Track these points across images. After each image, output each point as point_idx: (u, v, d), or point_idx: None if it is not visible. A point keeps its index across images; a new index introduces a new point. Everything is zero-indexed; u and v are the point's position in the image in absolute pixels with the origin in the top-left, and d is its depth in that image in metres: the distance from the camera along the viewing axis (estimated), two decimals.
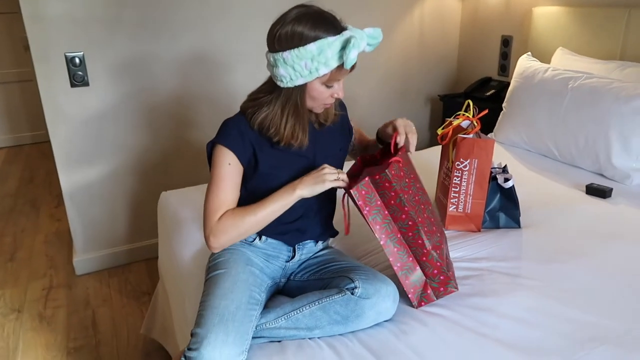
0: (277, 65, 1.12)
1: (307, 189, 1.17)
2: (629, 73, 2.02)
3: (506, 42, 2.81)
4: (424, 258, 1.20)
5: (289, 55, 1.10)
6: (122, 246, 2.51)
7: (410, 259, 1.22)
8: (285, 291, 1.33)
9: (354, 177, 1.29)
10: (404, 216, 1.18)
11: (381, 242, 1.19)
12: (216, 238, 1.17)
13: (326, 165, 1.20)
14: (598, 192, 1.79)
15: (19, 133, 4.49)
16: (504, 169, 1.67)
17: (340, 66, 1.12)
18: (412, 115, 3.17)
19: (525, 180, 1.92)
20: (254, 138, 1.20)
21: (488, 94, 2.74)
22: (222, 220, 1.17)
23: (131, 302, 2.22)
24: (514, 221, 1.61)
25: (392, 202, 1.17)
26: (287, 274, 1.32)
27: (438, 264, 1.20)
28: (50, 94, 2.15)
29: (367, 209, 1.17)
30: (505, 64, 2.84)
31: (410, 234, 1.19)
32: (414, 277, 1.22)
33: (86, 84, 2.20)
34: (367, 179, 1.17)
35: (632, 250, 1.44)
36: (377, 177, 1.16)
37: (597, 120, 1.92)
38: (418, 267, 1.22)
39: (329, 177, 1.16)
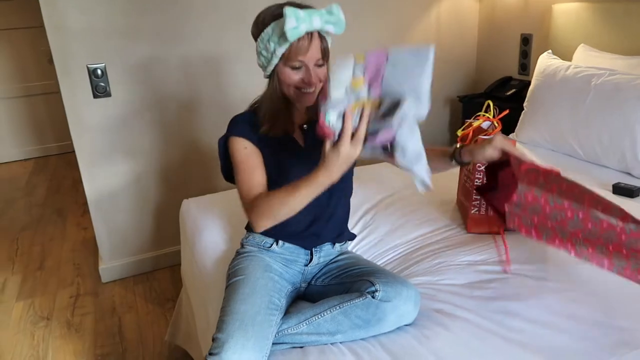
0: (257, 54, 1.22)
1: (336, 165, 1.03)
2: None
3: (526, 40, 2.77)
4: (623, 236, 1.03)
5: (258, 42, 1.20)
6: (146, 253, 2.55)
7: (611, 247, 1.05)
8: (306, 296, 1.33)
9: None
10: (569, 213, 1.07)
11: (573, 255, 1.07)
12: (257, 217, 1.15)
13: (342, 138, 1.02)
14: (625, 191, 1.74)
15: (46, 144, 4.61)
16: None
17: (296, 44, 1.14)
18: (431, 117, 3.14)
19: None
20: (256, 130, 1.26)
21: (508, 93, 2.70)
22: (259, 198, 1.16)
23: (156, 309, 2.25)
24: None
25: (548, 209, 1.09)
26: (307, 278, 1.32)
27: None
28: (74, 106, 2.21)
29: (533, 232, 1.10)
30: (525, 63, 2.80)
31: (590, 225, 1.05)
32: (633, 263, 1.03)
33: (108, 94, 2.25)
34: (510, 208, 1.09)
35: None
36: (528, 197, 1.08)
37: (622, 118, 1.88)
38: (624, 251, 1.04)
39: (353, 152, 1.02)
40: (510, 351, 1.06)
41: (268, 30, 1.16)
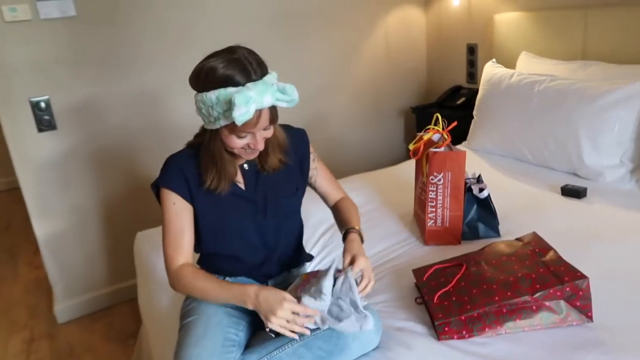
0: (195, 104, 1.11)
1: (253, 303, 1.08)
2: (592, 72, 2.06)
3: (472, 50, 2.85)
4: (537, 303, 1.14)
5: (197, 97, 1.09)
6: (103, 289, 2.45)
7: (534, 307, 1.14)
8: None
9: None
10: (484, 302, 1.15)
11: (505, 333, 1.14)
12: (176, 288, 1.19)
13: (288, 302, 1.05)
14: (573, 192, 1.80)
15: None
16: (479, 179, 1.67)
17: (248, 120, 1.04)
18: (387, 129, 3.18)
19: (501, 187, 1.92)
20: (191, 175, 1.19)
21: (459, 102, 2.77)
22: (182, 274, 1.16)
23: (117, 347, 2.15)
24: (493, 230, 1.61)
25: (466, 298, 1.19)
26: None
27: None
28: (17, 141, 2.12)
29: (464, 333, 1.14)
30: (473, 72, 2.87)
31: (504, 310, 1.14)
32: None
33: (53, 127, 2.17)
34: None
35: (611, 249, 1.44)
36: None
37: (565, 121, 1.95)
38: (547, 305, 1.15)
39: (281, 314, 1.04)
40: None
41: (211, 96, 1.04)
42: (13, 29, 2.01)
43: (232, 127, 1.07)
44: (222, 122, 1.06)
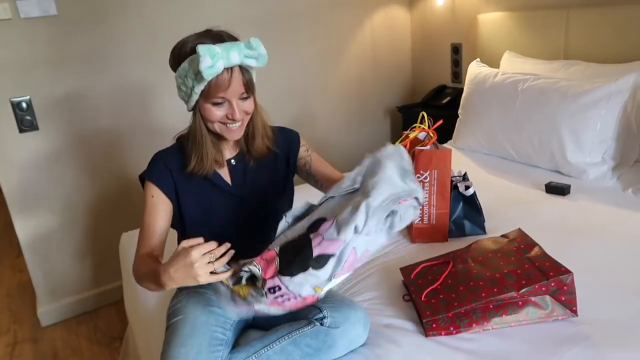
0: (177, 87, 1.16)
1: (173, 281, 0.99)
2: (574, 71, 2.09)
3: (456, 49, 2.87)
4: (524, 299, 1.15)
5: (176, 76, 1.15)
6: (88, 291, 2.42)
7: (521, 303, 1.15)
8: (256, 324, 1.29)
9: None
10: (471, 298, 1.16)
11: (491, 329, 1.15)
12: (134, 275, 1.16)
13: (191, 246, 0.98)
14: (557, 190, 1.82)
15: None
16: (464, 177, 1.69)
17: (215, 80, 1.08)
18: (373, 129, 3.19)
19: (487, 185, 1.94)
20: (176, 169, 1.22)
21: (444, 101, 2.79)
22: (137, 262, 1.16)
23: (102, 350, 2.13)
24: (479, 227, 1.62)
25: (454, 295, 1.19)
26: None
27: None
28: None
29: (452, 329, 1.14)
30: (457, 71, 2.90)
31: (491, 306, 1.16)
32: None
33: (35, 128, 2.13)
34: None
35: (594, 244, 1.46)
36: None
37: (548, 120, 1.97)
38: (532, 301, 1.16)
39: (201, 271, 0.96)
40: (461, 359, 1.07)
41: (185, 65, 1.10)
42: None
43: (207, 94, 1.11)
44: (197, 89, 1.10)
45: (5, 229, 3.53)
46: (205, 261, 0.97)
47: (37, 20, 2.05)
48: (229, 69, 1.09)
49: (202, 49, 1.03)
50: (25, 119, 2.11)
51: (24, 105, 2.10)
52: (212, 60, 1.03)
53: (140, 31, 2.27)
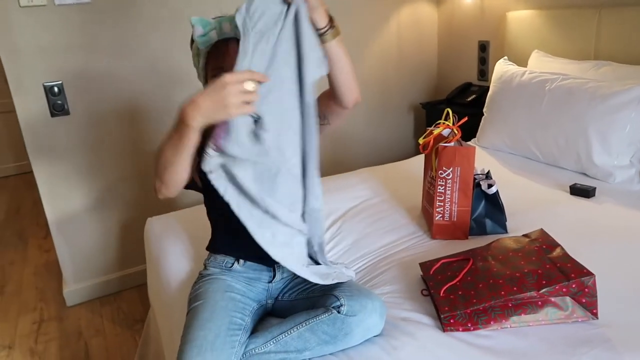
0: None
1: (199, 111, 0.93)
2: (604, 72, 2.05)
3: (483, 47, 2.84)
4: (543, 299, 1.15)
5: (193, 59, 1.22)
6: (112, 274, 2.48)
7: (540, 302, 1.15)
8: (274, 312, 1.32)
9: None
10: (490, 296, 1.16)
11: (510, 327, 1.15)
12: (153, 181, 1.12)
13: (227, 76, 0.93)
14: (582, 192, 1.80)
15: (3, 164, 4.45)
16: (487, 175, 1.68)
17: (212, 51, 1.15)
18: (396, 125, 3.19)
19: (510, 184, 1.93)
20: None
21: (469, 99, 2.77)
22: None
23: (124, 331, 2.19)
24: (501, 226, 1.61)
25: (473, 292, 1.20)
26: (273, 295, 1.31)
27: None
28: (30, 125, 2.14)
29: (470, 325, 1.15)
30: (484, 69, 2.87)
31: (510, 304, 1.15)
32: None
33: (66, 112, 2.19)
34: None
35: (618, 248, 1.45)
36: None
37: (575, 121, 1.95)
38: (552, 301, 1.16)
39: (233, 101, 0.91)
40: (477, 357, 1.08)
41: (195, 45, 1.18)
42: (28, 14, 2.03)
43: (208, 66, 1.17)
44: (202, 64, 1.18)
45: (33, 210, 3.64)
46: (240, 89, 0.92)
47: (70, 7, 2.10)
48: (225, 41, 1.15)
49: (194, 19, 1.11)
50: (57, 103, 2.17)
51: (56, 89, 2.15)
52: (204, 29, 1.10)
53: (169, 20, 2.30)
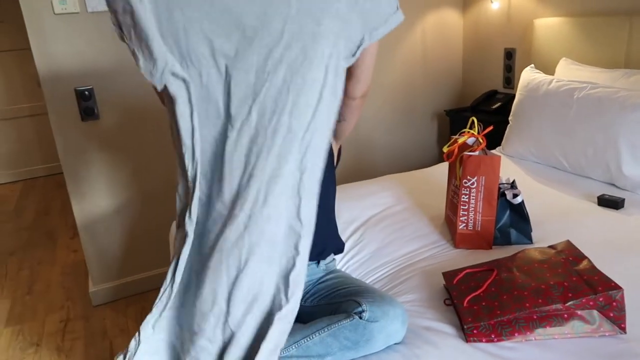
0: None
1: None
2: (635, 81, 2.01)
3: (509, 54, 2.81)
4: (569, 312, 1.13)
5: None
6: (137, 274, 2.53)
7: (566, 315, 1.14)
8: (297, 317, 1.32)
9: None
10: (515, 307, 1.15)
11: (534, 339, 1.13)
12: None
13: None
14: (610, 203, 1.77)
15: (33, 166, 4.58)
16: (512, 185, 1.66)
17: None
18: (419, 132, 3.18)
19: (535, 194, 1.90)
20: None
21: (494, 107, 2.74)
22: None
23: None
24: (526, 237, 1.59)
25: (497, 303, 1.18)
26: None
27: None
28: (62, 129, 2.21)
29: (493, 336, 1.14)
30: (510, 77, 2.84)
31: (535, 316, 1.14)
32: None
33: (96, 117, 2.25)
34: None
35: None
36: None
37: (605, 130, 1.91)
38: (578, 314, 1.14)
39: None
40: None
41: None
42: (62, 21, 2.10)
43: None
44: None
45: (62, 211, 3.74)
46: None
47: (102, 14, 2.17)
48: None
49: None
50: (87, 108, 2.23)
51: (87, 94, 2.21)
52: None
53: None
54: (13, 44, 4.22)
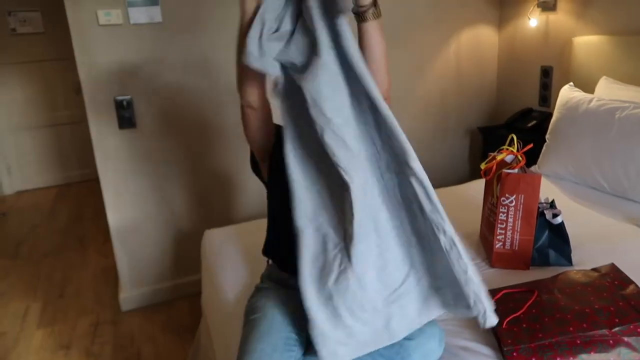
0: None
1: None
2: None
3: (546, 72, 2.77)
4: (615, 338, 1.10)
5: None
6: (166, 282, 2.55)
7: (612, 341, 1.10)
8: None
9: None
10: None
11: None
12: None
13: None
14: None
15: (69, 172, 4.70)
16: (552, 204, 1.62)
17: None
18: (452, 149, 3.14)
19: (574, 215, 1.85)
20: None
21: (529, 125, 2.69)
22: None
23: (174, 340, 2.23)
24: (565, 258, 1.55)
25: (538, 326, 1.16)
26: None
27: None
28: (100, 136, 2.26)
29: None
30: (546, 95, 2.79)
31: (578, 341, 1.10)
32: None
33: (133, 125, 2.30)
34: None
35: None
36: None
37: None
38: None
39: None
40: None
41: None
42: (105, 32, 2.16)
43: None
44: None
45: (94, 216, 3.81)
46: None
47: (143, 26, 2.22)
48: None
49: None
50: (125, 117, 2.28)
51: (125, 103, 2.27)
52: None
53: (229, 42, 2.38)
54: (54, 54, 4.37)
